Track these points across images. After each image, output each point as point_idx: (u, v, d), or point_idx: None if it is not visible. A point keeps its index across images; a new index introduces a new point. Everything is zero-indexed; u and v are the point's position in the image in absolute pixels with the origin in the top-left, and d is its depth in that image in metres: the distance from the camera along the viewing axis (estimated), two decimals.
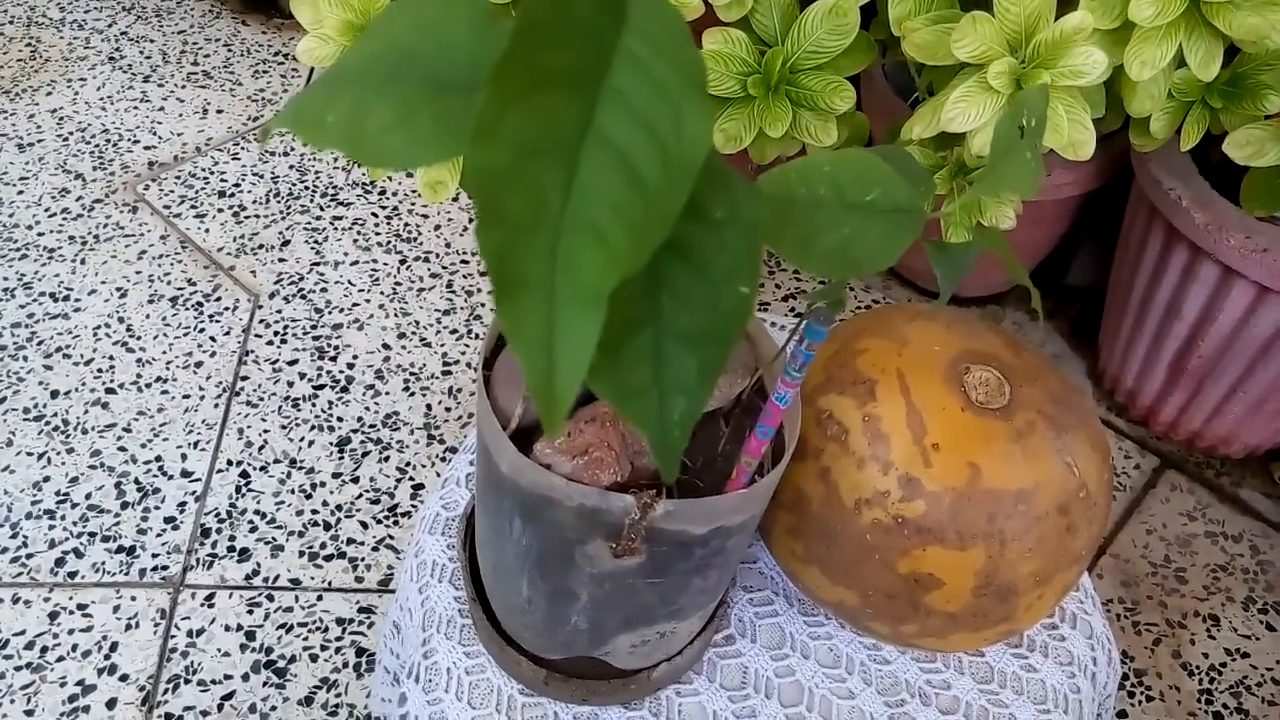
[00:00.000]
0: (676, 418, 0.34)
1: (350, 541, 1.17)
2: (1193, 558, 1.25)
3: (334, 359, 1.36)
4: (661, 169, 0.28)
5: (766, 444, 0.53)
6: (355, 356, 1.37)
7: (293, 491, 1.21)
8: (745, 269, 0.33)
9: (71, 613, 1.10)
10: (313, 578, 1.14)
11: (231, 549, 1.16)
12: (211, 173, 1.61)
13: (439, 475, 1.19)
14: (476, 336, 1.39)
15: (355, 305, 1.43)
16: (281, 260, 1.49)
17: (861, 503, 0.61)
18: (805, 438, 0.63)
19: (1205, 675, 1.15)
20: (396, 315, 1.42)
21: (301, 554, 1.16)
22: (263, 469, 1.23)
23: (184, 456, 1.24)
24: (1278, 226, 1.09)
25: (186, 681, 1.05)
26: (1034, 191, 0.41)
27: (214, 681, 1.05)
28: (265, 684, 1.05)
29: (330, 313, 1.42)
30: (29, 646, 1.06)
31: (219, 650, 1.07)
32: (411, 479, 1.24)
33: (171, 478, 1.22)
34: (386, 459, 1.25)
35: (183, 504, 1.19)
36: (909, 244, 0.40)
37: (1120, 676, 1.13)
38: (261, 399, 1.31)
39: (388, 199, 1.58)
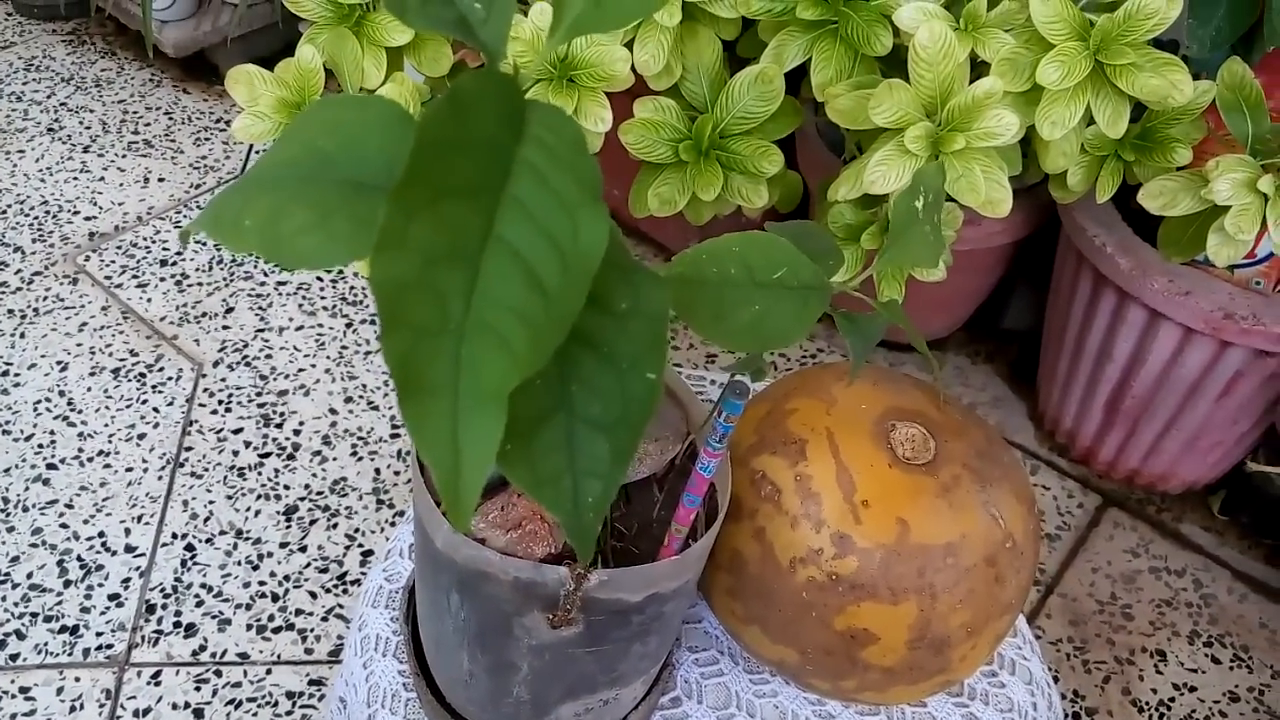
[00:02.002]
0: (591, 501, 0.35)
1: (299, 612, 1.16)
2: (1138, 594, 1.27)
3: (280, 426, 1.35)
4: (560, 273, 0.29)
5: (695, 511, 0.54)
6: (301, 423, 1.36)
7: (239, 563, 1.20)
8: (651, 356, 0.34)
9: (14, 696, 1.07)
10: (261, 651, 1.12)
11: (178, 624, 1.14)
12: (153, 241, 1.61)
13: (387, 540, 1.19)
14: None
15: (301, 370, 1.43)
16: (225, 328, 1.48)
17: (796, 561, 0.62)
18: (740, 498, 0.64)
19: (1155, 711, 1.16)
20: (343, 379, 1.42)
21: (249, 627, 1.14)
22: (208, 541, 1.22)
23: (128, 531, 1.22)
24: (1199, 270, 1.12)
25: None
26: (934, 264, 0.43)
27: None
28: None
29: (275, 379, 1.41)
30: None
31: None
32: (360, 545, 1.23)
33: (115, 553, 1.20)
34: (335, 526, 1.25)
35: (127, 580, 1.18)
36: (816, 318, 0.41)
37: (1065, 718, 1.15)
38: (206, 469, 1.30)
39: (315, 270, 1.59)
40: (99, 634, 1.13)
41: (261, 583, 1.18)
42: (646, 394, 0.34)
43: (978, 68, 0.85)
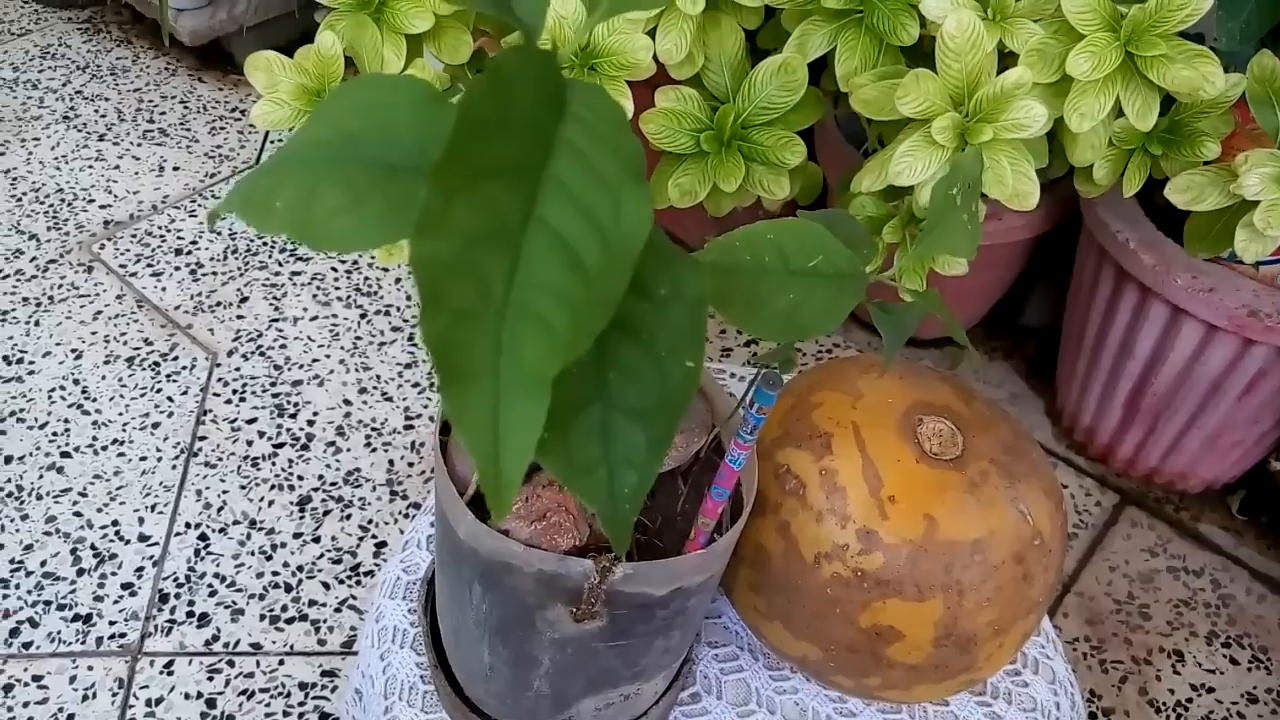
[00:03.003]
0: (627, 491, 0.34)
1: (312, 603, 1.16)
2: (1155, 594, 1.26)
3: (294, 416, 1.35)
4: (602, 254, 0.28)
5: (722, 504, 0.53)
6: (315, 413, 1.36)
7: (253, 553, 1.20)
8: (690, 343, 0.33)
9: (26, 685, 1.07)
10: (274, 641, 1.12)
11: (191, 614, 1.14)
12: (168, 230, 1.60)
13: (401, 533, 1.18)
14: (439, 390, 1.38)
15: (315, 361, 1.42)
16: (240, 317, 1.48)
17: (821, 556, 0.61)
18: (764, 492, 0.63)
19: (1172, 711, 1.15)
20: (357, 370, 1.42)
21: (262, 617, 1.14)
22: (222, 531, 1.22)
23: (141, 520, 1.22)
24: (1223, 266, 1.11)
25: None
26: (972, 253, 0.42)
27: None
28: None
29: (290, 369, 1.41)
30: None
31: (179, 719, 1.05)
32: (374, 537, 1.22)
33: (129, 542, 1.20)
34: (348, 517, 1.24)
35: (140, 569, 1.17)
36: (853, 307, 0.40)
37: (1086, 718, 1.14)
38: (220, 459, 1.29)
39: (347, 253, 1.58)
40: (112, 623, 1.13)
41: (275, 573, 1.18)
42: (685, 382, 0.33)
43: (1005, 58, 0.84)
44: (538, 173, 0.28)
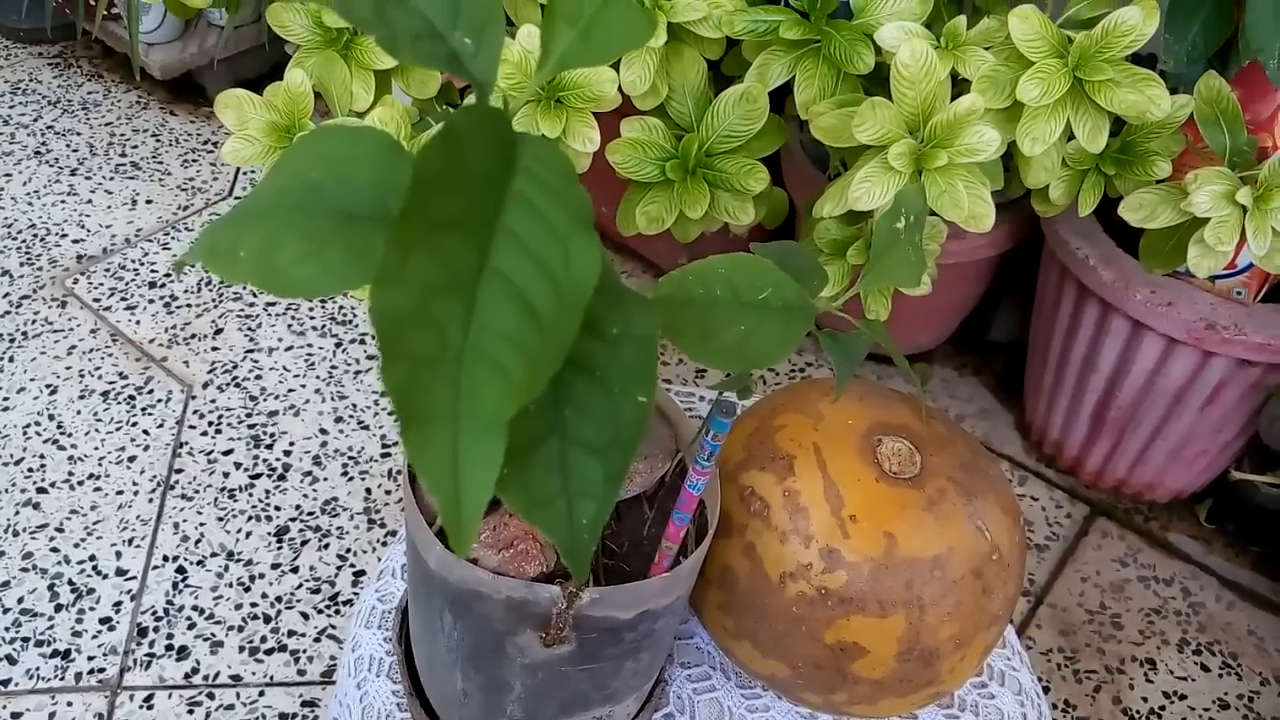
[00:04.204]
0: (585, 522, 0.36)
1: (291, 634, 1.16)
2: (1127, 603, 1.28)
3: (270, 447, 1.35)
4: (554, 301, 0.29)
5: (685, 528, 0.55)
6: (292, 443, 1.36)
7: (231, 585, 1.20)
8: (641, 380, 0.35)
9: None
10: (254, 673, 1.12)
11: (170, 647, 1.14)
12: (141, 264, 1.61)
13: (379, 560, 1.19)
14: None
15: (291, 391, 1.43)
16: (215, 349, 1.48)
17: (786, 576, 0.62)
18: (729, 514, 0.65)
19: (1146, 719, 1.17)
20: (333, 399, 1.42)
21: (242, 649, 1.14)
22: (199, 563, 1.22)
23: (119, 554, 1.22)
24: (1181, 281, 1.14)
25: None
26: (917, 284, 0.43)
27: None
28: None
29: (265, 400, 1.41)
30: None
31: None
32: (352, 565, 1.23)
33: (106, 577, 1.20)
34: (326, 546, 1.25)
35: (118, 603, 1.18)
36: (801, 337, 0.42)
37: None
38: (197, 491, 1.30)
39: (310, 299, 1.59)
40: (91, 658, 1.13)
41: (253, 604, 1.18)
42: (638, 417, 0.34)
43: (959, 85, 0.87)
44: (491, 224, 0.30)
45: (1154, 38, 0.88)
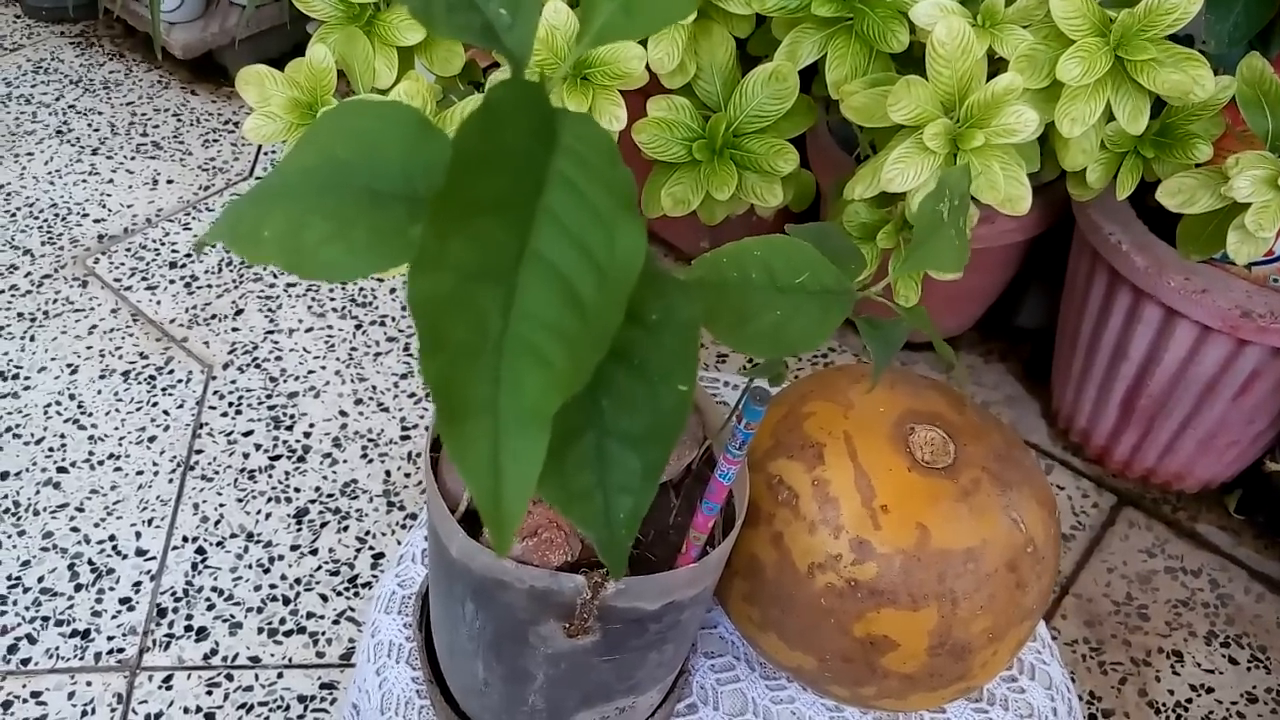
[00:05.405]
0: (623, 517, 0.34)
1: (310, 615, 1.16)
2: (1154, 594, 1.26)
3: (290, 428, 1.35)
4: (597, 287, 0.28)
5: (713, 518, 0.53)
6: (312, 425, 1.36)
7: (250, 566, 1.20)
8: (682, 368, 0.33)
9: (25, 701, 1.07)
10: (273, 655, 1.12)
11: (189, 628, 1.14)
12: (162, 244, 1.60)
13: (399, 544, 1.18)
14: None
15: (311, 373, 1.42)
16: (235, 330, 1.48)
17: (814, 567, 0.61)
18: (757, 503, 0.63)
19: (1172, 712, 1.15)
20: (353, 381, 1.42)
21: (261, 630, 1.14)
22: (219, 544, 1.22)
23: (138, 535, 1.22)
24: (1216, 268, 1.11)
25: None
26: (960, 269, 0.42)
27: None
28: None
29: (285, 381, 1.41)
30: None
31: None
32: (371, 548, 1.22)
33: (126, 557, 1.20)
34: (345, 529, 1.24)
35: (138, 584, 1.17)
36: (839, 323, 0.41)
37: None
38: (217, 472, 1.29)
39: (335, 282, 1.58)
40: (110, 638, 1.12)
41: (273, 586, 1.18)
42: (678, 407, 0.33)
43: (996, 64, 0.84)
44: (531, 206, 0.28)
45: (1195, 18, 0.85)
